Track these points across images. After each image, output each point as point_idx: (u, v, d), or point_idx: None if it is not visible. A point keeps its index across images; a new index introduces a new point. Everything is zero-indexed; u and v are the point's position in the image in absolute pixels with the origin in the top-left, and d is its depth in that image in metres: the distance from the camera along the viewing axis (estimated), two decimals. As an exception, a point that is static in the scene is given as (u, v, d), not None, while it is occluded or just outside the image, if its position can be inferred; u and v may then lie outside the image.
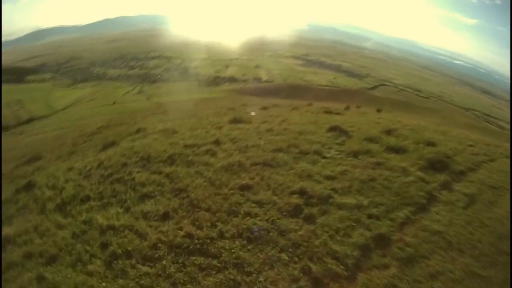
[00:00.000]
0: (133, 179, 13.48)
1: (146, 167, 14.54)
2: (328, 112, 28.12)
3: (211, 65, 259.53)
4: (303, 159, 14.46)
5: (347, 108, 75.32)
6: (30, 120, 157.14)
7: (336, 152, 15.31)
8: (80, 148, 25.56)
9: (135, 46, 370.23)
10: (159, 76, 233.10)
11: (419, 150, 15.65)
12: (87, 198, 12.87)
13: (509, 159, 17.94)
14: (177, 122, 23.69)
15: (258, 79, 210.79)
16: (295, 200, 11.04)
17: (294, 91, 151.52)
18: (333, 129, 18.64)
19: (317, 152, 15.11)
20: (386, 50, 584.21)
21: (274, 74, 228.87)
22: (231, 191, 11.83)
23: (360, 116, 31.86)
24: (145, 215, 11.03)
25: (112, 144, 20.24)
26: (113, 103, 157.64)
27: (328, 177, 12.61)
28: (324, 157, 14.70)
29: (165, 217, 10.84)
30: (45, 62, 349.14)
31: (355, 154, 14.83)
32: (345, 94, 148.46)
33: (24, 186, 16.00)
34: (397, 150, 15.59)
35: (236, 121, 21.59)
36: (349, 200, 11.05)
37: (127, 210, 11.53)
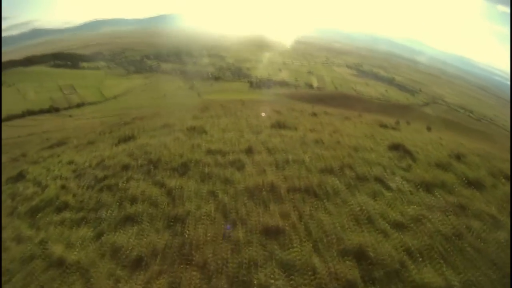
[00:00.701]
0: (127, 189, 10.03)
1: (150, 174, 11.08)
2: (383, 125, 23.13)
3: (264, 67, 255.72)
4: (361, 188, 10.04)
5: (397, 123, 71.35)
6: (80, 105, 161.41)
7: (403, 181, 10.72)
8: (101, 138, 23.21)
9: (190, 42, 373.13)
10: (211, 74, 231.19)
11: (498, 187, 11.45)
12: (64, 207, 10.10)
13: None
14: (211, 120, 19.90)
15: (310, 85, 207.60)
16: (349, 270, 6.66)
17: (345, 100, 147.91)
18: (394, 147, 13.87)
19: (378, 179, 10.66)
20: (440, 66, 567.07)
21: (326, 82, 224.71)
22: (249, 237, 7.66)
23: (417, 133, 27.37)
24: (114, 253, 7.51)
25: (129, 138, 17.55)
26: (163, 95, 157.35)
27: (397, 225, 8.27)
28: (388, 188, 10.15)
29: (137, 265, 7.07)
30: (100, 51, 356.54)
31: (428, 187, 10.43)
32: (396, 109, 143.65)
33: (15, 176, 14.70)
34: (475, 184, 11.12)
35: (279, 125, 17.01)
36: (431, 276, 6.77)
37: (98, 237, 8.27)
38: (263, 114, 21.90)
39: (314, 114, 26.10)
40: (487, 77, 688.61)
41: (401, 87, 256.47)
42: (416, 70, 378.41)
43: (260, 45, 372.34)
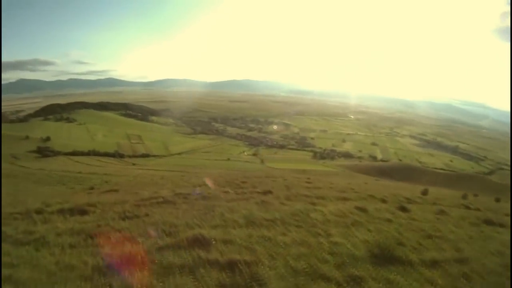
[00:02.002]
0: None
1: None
2: (489, 222, 15.96)
3: (328, 137, 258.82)
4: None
5: (464, 196, 66.15)
6: (145, 155, 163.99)
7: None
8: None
9: (257, 109, 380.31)
10: (275, 142, 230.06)
11: None
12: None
13: None
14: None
15: (374, 157, 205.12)
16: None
17: (409, 173, 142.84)
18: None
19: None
20: (504, 129, 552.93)
21: (390, 153, 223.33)
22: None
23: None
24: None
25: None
26: (227, 159, 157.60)
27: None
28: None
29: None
30: (169, 108, 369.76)
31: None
32: (462, 180, 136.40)
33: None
34: None
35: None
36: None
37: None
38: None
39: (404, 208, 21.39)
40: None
41: (466, 156, 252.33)
42: (479, 135, 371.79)
43: (325, 115, 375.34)
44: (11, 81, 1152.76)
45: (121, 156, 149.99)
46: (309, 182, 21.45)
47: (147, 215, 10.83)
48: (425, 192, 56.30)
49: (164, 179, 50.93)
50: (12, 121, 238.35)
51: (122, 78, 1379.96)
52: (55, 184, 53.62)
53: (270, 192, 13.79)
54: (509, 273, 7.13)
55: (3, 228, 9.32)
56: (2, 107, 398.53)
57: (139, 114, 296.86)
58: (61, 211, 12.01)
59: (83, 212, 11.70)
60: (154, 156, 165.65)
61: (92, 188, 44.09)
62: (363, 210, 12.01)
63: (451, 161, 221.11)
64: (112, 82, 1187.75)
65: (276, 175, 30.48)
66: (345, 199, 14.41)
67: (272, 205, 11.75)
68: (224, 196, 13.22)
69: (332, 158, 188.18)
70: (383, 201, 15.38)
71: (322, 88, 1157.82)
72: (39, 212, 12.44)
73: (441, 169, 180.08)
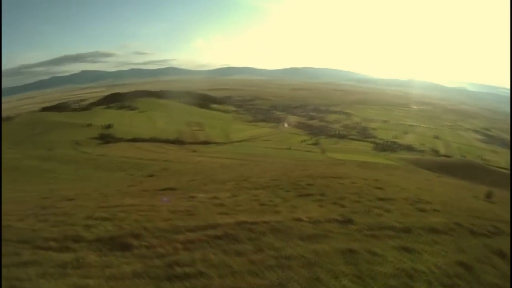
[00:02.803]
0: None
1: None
2: None
3: (390, 128, 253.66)
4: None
5: None
6: (205, 142, 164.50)
7: None
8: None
9: (317, 97, 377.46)
10: (337, 131, 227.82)
11: None
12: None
13: None
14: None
15: (436, 152, 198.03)
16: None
17: (472, 171, 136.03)
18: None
19: None
20: None
21: (452, 148, 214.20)
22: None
23: None
24: None
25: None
26: (288, 148, 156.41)
27: None
28: None
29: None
30: (230, 96, 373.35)
31: None
32: None
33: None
34: None
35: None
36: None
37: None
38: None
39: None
40: None
41: None
42: None
43: (387, 105, 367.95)
44: (73, 72, 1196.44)
45: (182, 142, 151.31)
46: (380, 188, 19.27)
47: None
48: (489, 196, 52.17)
49: (224, 168, 49.83)
50: (75, 110, 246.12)
51: (183, 67, 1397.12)
52: (115, 170, 53.74)
53: (349, 221, 11.25)
54: None
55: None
56: (66, 98, 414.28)
57: (200, 102, 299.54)
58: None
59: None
60: (214, 143, 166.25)
61: (151, 176, 43.55)
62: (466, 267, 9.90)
63: None
64: (172, 71, 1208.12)
65: (341, 173, 28.30)
66: (434, 231, 12.19)
67: (360, 255, 8.71)
68: (297, 229, 10.58)
69: (393, 151, 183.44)
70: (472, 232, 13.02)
71: (383, 76, 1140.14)
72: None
73: (504, 168, 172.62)
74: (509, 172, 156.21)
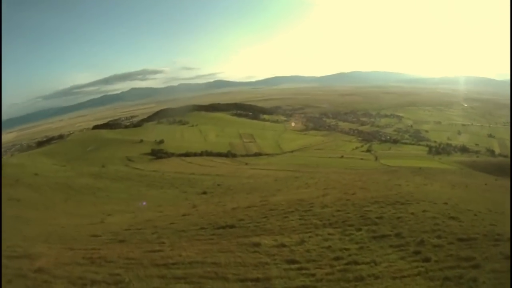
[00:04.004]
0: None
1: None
2: None
3: (443, 130, 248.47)
4: None
5: None
6: (257, 154, 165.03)
7: None
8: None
9: (367, 102, 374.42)
10: (389, 136, 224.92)
11: None
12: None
13: None
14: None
15: (491, 152, 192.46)
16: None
17: None
18: None
19: None
20: None
21: (508, 147, 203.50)
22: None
23: None
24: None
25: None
26: (341, 156, 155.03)
27: None
28: None
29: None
30: (280, 105, 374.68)
31: None
32: None
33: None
34: None
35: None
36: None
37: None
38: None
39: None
40: None
41: None
42: None
43: (438, 104, 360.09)
44: (123, 90, 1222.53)
45: (234, 155, 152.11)
46: (454, 218, 18.40)
47: None
48: None
49: (278, 182, 49.15)
50: (126, 127, 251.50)
51: (230, 79, 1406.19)
52: (168, 188, 54.12)
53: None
54: None
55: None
56: (117, 115, 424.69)
57: (250, 113, 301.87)
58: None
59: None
60: (266, 154, 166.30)
61: (204, 193, 43.31)
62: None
63: None
64: (220, 84, 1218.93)
65: (406, 193, 27.40)
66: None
67: None
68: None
69: (448, 153, 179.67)
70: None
71: (431, 75, 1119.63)
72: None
73: None
74: None
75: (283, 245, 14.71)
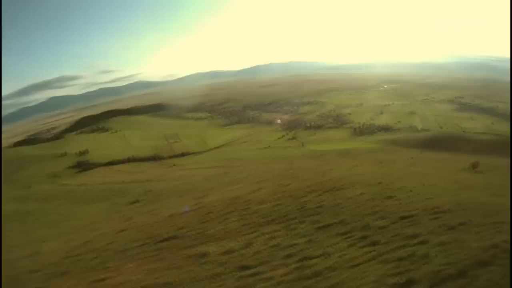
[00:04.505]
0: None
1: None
2: None
3: (365, 111, 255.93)
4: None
5: None
6: (184, 154, 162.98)
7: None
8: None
9: (288, 91, 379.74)
10: (313, 122, 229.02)
11: None
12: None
13: None
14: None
15: (413, 128, 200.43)
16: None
17: (453, 142, 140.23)
18: None
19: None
20: None
21: (430, 121, 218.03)
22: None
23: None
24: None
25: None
26: (268, 146, 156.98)
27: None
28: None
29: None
30: (202, 102, 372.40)
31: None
32: (509, 146, 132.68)
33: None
34: None
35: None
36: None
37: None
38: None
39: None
40: None
41: (507, 117, 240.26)
42: None
43: (359, 88, 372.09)
44: (42, 101, 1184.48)
45: (160, 158, 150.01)
46: (391, 197, 19.69)
47: None
48: (475, 166, 53.48)
49: (209, 181, 48.94)
50: (48, 140, 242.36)
51: (151, 80, 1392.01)
52: (98, 201, 52.72)
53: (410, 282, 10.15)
54: None
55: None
56: (37, 128, 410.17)
57: (172, 113, 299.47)
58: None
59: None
60: (193, 153, 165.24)
61: (136, 202, 42.45)
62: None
63: (492, 123, 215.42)
64: (141, 85, 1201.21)
65: (338, 178, 27.90)
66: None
67: None
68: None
69: (372, 133, 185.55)
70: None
71: (351, 61, 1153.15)
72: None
73: (484, 133, 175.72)
74: (488, 137, 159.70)
75: (231, 251, 14.39)
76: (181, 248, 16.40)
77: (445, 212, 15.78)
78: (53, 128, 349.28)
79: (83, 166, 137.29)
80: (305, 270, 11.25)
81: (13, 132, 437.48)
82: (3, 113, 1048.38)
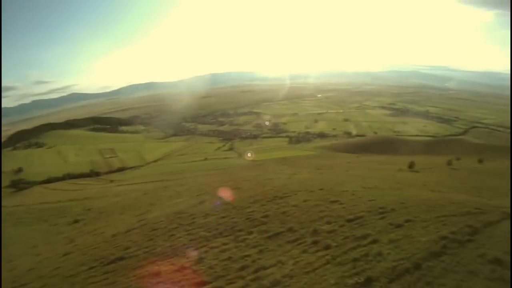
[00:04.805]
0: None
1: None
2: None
3: (300, 120, 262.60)
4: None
5: (449, 163, 68.42)
6: (121, 169, 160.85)
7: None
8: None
9: (224, 102, 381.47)
10: (249, 133, 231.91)
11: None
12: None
13: None
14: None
15: (349, 134, 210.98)
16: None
17: (388, 145, 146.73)
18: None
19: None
20: (471, 87, 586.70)
21: (364, 127, 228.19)
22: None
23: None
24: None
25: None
26: (204, 159, 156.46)
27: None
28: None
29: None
30: (138, 115, 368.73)
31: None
32: (441, 145, 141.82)
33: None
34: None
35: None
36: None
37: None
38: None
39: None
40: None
41: (438, 119, 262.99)
42: (448, 97, 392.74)
43: (294, 98, 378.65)
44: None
45: (97, 174, 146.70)
46: (335, 202, 20.86)
47: None
48: (411, 165, 57.97)
49: (149, 196, 49.60)
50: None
51: (86, 92, 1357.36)
52: (37, 223, 51.81)
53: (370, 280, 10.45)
54: None
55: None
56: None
57: (108, 126, 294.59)
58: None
59: None
60: (130, 168, 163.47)
61: (76, 222, 42.44)
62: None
63: (424, 126, 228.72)
64: (76, 97, 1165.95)
65: (280, 186, 29.14)
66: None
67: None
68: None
69: (308, 141, 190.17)
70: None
71: (287, 72, 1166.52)
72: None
73: (417, 135, 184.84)
74: (422, 138, 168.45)
75: (184, 268, 14.20)
76: (131, 269, 15.99)
77: (390, 211, 17.35)
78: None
79: (18, 185, 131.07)
80: (263, 281, 11.63)
81: None
82: None
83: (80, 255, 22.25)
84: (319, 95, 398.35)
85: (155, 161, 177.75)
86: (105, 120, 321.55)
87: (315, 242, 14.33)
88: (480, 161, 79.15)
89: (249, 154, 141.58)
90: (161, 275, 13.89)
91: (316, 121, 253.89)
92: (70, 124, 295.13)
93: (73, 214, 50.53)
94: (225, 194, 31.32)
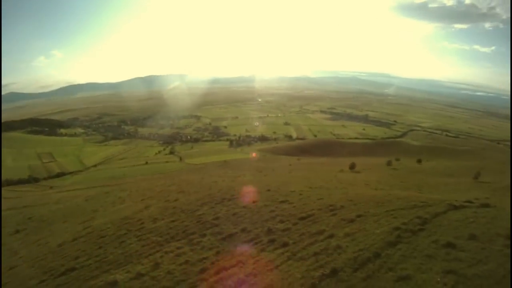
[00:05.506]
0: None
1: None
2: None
3: (241, 123, 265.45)
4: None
5: (389, 163, 72.88)
6: (60, 174, 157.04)
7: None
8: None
9: (165, 104, 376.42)
10: (189, 136, 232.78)
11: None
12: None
13: None
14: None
15: (289, 137, 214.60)
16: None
17: (328, 147, 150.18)
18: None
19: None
20: (409, 93, 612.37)
21: (304, 130, 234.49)
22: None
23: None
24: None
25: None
26: (145, 163, 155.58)
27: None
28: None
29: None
30: (77, 117, 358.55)
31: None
32: (380, 147, 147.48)
33: None
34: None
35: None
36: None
37: None
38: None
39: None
40: (454, 93, 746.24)
41: (377, 122, 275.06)
42: (386, 102, 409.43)
43: (234, 101, 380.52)
44: None
45: (36, 180, 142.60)
46: (285, 201, 21.78)
47: None
48: (352, 166, 62.13)
49: (92, 203, 49.59)
50: None
51: (24, 91, 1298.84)
52: (-26, 235, 50.50)
53: (335, 271, 10.98)
54: None
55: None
56: None
57: (46, 129, 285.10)
58: None
59: None
60: (70, 173, 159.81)
61: (17, 232, 41.87)
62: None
63: (363, 129, 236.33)
64: (14, 96, 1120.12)
65: (227, 188, 30.22)
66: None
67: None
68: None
69: (249, 144, 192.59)
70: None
71: (227, 75, 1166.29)
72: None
73: (356, 138, 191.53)
74: (361, 141, 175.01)
75: (141, 275, 13.94)
76: (85, 280, 15.42)
77: (340, 208, 18.23)
78: None
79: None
80: (227, 281, 11.66)
81: None
82: None
83: (28, 268, 20.91)
84: (259, 99, 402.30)
85: (94, 165, 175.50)
86: (43, 122, 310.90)
87: (271, 241, 14.88)
88: (419, 161, 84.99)
89: (190, 158, 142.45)
90: (118, 284, 13.65)
91: (256, 125, 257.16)
92: (7, 126, 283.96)
93: (13, 224, 48.17)
94: (170, 198, 31.92)
